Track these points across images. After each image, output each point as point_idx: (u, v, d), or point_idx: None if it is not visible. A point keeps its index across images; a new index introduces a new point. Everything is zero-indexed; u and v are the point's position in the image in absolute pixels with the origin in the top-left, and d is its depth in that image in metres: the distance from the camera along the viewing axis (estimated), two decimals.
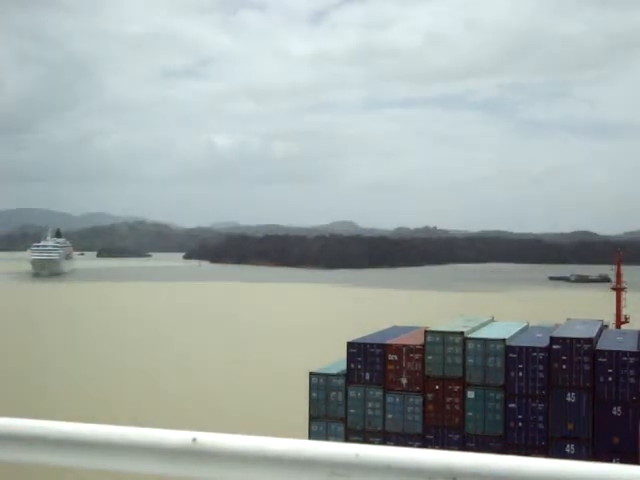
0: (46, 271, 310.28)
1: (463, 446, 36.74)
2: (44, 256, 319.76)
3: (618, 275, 79.59)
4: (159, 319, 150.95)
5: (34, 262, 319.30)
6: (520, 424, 36.50)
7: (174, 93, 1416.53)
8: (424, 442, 37.37)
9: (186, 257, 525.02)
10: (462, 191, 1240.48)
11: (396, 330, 45.01)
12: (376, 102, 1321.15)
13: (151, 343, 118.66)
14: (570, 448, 35.76)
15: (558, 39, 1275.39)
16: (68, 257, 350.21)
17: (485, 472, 2.91)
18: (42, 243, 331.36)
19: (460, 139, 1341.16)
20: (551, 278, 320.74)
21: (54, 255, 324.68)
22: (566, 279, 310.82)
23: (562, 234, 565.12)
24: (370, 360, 38.93)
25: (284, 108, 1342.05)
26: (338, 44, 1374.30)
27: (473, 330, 40.34)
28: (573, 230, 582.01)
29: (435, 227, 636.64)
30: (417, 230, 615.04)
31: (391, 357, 38.63)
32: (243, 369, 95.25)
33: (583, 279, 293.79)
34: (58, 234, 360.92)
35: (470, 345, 37.77)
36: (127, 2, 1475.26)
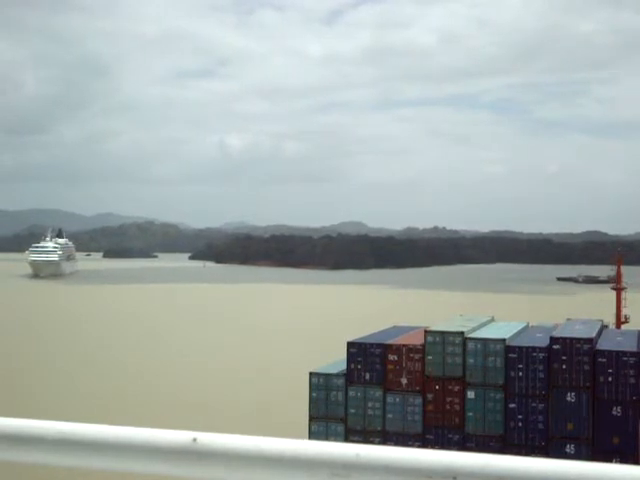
0: (44, 273, 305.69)
1: (463, 446, 36.73)
2: (42, 257, 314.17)
3: (618, 275, 79.86)
4: (155, 321, 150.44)
5: (32, 263, 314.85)
6: (520, 424, 36.49)
7: (188, 93, 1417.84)
8: (424, 442, 37.36)
9: (192, 258, 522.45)
10: (473, 191, 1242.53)
11: (396, 330, 45.04)
12: (388, 102, 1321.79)
13: (148, 345, 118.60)
14: (570, 448, 35.75)
15: (572, 38, 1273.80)
16: (69, 258, 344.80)
17: (485, 472, 2.91)
18: (41, 244, 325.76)
19: (472, 139, 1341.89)
20: (559, 279, 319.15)
21: (53, 256, 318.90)
22: (574, 280, 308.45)
23: (572, 234, 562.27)
24: (370, 360, 38.93)
25: (296, 108, 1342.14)
26: (352, 44, 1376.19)
27: (473, 330, 40.35)
28: (583, 230, 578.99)
29: (444, 227, 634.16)
30: (426, 230, 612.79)
31: (391, 357, 38.63)
32: (244, 370, 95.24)
33: (591, 280, 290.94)
34: (60, 234, 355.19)
35: (470, 345, 37.77)
36: (143, 2, 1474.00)
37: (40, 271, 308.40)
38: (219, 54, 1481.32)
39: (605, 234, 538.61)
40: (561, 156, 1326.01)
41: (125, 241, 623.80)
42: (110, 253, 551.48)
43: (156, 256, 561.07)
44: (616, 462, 30.73)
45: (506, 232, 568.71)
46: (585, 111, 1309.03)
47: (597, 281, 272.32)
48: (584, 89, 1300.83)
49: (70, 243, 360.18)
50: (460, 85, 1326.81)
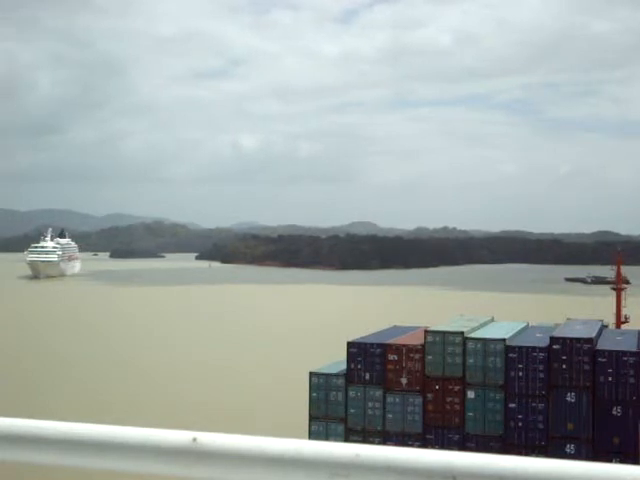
0: (43, 274, 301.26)
1: (463, 446, 36.75)
2: (41, 258, 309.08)
3: (618, 275, 79.86)
4: (152, 323, 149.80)
5: (31, 264, 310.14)
6: (520, 424, 36.51)
7: (202, 93, 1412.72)
8: (424, 442, 37.37)
9: (199, 258, 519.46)
10: (484, 191, 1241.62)
11: (396, 330, 45.05)
12: (403, 102, 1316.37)
13: (147, 345, 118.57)
14: (570, 448, 35.77)
15: (586, 38, 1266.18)
16: (71, 259, 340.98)
17: (485, 472, 2.91)
18: (40, 244, 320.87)
19: (485, 139, 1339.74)
20: (567, 279, 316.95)
21: (52, 257, 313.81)
22: (582, 280, 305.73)
23: (584, 234, 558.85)
24: (370, 360, 38.97)
25: (310, 108, 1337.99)
26: (367, 44, 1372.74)
27: (473, 330, 40.37)
28: (595, 230, 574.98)
29: (455, 227, 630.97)
30: (436, 230, 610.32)
31: (391, 357, 38.65)
32: (244, 371, 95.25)
33: (600, 280, 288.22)
34: (62, 234, 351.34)
35: (470, 345, 37.80)
36: (159, 2, 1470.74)
37: (39, 272, 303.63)
38: (234, 54, 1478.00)
39: (617, 234, 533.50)
40: (574, 156, 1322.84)
41: (134, 241, 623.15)
42: (117, 253, 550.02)
43: (163, 256, 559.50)
44: (616, 462, 30.74)
45: (517, 232, 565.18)
46: (599, 111, 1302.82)
47: (605, 282, 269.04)
48: (598, 89, 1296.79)
49: (73, 243, 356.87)
50: (474, 85, 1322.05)
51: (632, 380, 35.33)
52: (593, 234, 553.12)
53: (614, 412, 35.35)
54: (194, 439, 3.22)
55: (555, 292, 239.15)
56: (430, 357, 38.12)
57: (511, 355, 37.04)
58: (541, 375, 36.52)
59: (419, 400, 38.01)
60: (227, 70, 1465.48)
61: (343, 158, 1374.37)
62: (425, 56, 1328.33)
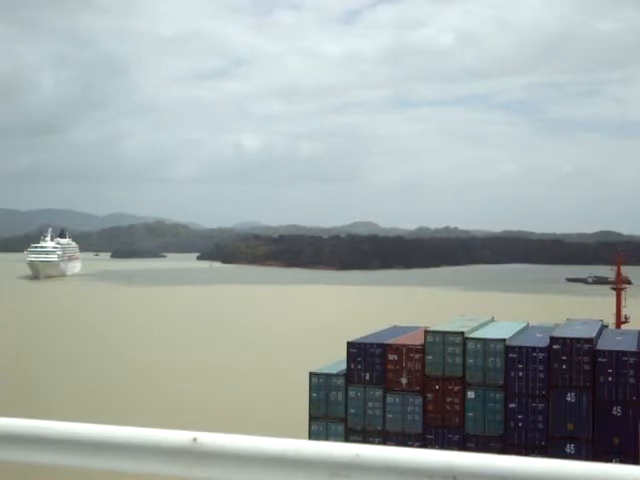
0: (43, 274, 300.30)
1: (463, 446, 36.76)
2: (41, 258, 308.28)
3: (618, 275, 79.88)
4: (154, 323, 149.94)
5: (30, 264, 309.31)
6: (520, 424, 36.53)
7: (204, 94, 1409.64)
8: (424, 442, 37.39)
9: (200, 258, 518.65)
10: (485, 191, 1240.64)
11: (396, 330, 45.06)
12: (403, 102, 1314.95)
13: (145, 346, 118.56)
14: (570, 448, 35.78)
15: (588, 38, 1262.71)
16: (71, 259, 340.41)
17: (485, 472, 2.90)
18: (40, 244, 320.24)
19: (486, 139, 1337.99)
20: (568, 280, 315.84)
21: (52, 257, 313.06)
22: (584, 281, 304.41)
23: (586, 234, 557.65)
24: (370, 360, 38.98)
25: (312, 108, 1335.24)
26: (369, 44, 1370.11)
27: (473, 330, 40.38)
28: (597, 230, 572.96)
29: (456, 227, 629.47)
30: (437, 230, 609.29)
31: (391, 357, 38.67)
32: (244, 372, 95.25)
33: (601, 280, 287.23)
34: (62, 234, 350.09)
35: (470, 345, 37.81)
36: (161, 3, 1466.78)
37: (38, 272, 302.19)
38: (236, 54, 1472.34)
39: (619, 234, 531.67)
40: (574, 156, 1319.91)
41: (135, 241, 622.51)
42: (118, 253, 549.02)
43: (165, 256, 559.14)
44: (616, 462, 30.73)
45: (519, 232, 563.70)
46: (601, 111, 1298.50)
47: (607, 282, 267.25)
48: (600, 89, 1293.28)
49: (73, 243, 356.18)
50: (474, 85, 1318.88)
51: (632, 380, 35.35)
52: (595, 234, 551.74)
53: (614, 412, 35.36)
54: (194, 439, 3.21)
55: (556, 292, 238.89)
56: (430, 357, 38.14)
57: (511, 355, 37.06)
58: (541, 375, 36.54)
59: (419, 400, 38.03)
60: (229, 70, 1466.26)
61: (344, 158, 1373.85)
62: (426, 56, 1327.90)
